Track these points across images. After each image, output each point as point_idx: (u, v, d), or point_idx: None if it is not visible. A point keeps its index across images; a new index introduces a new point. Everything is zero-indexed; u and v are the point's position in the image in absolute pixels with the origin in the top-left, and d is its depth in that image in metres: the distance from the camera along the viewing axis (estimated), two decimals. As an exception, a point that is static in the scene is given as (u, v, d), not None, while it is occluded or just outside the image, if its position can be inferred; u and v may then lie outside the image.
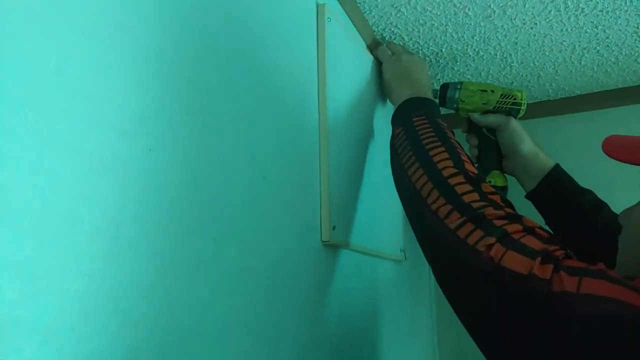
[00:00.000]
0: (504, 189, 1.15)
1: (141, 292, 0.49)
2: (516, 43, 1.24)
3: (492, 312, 0.64)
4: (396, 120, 0.96)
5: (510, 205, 0.74)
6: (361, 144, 1.06)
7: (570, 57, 1.30)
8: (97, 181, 0.46)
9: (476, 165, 1.16)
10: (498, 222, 0.68)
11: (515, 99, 1.16)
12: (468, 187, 0.74)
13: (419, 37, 1.22)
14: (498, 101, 1.16)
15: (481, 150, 1.19)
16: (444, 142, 0.83)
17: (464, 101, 1.18)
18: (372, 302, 1.07)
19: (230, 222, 0.63)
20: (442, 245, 0.72)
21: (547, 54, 1.29)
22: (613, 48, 1.26)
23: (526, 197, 1.16)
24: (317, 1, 0.94)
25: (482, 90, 1.17)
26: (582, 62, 1.33)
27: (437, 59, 1.30)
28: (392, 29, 1.20)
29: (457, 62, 1.32)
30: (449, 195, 0.74)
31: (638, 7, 1.11)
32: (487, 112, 1.18)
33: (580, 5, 1.11)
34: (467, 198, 0.72)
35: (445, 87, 1.19)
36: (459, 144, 0.85)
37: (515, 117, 1.17)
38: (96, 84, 0.47)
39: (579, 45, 1.25)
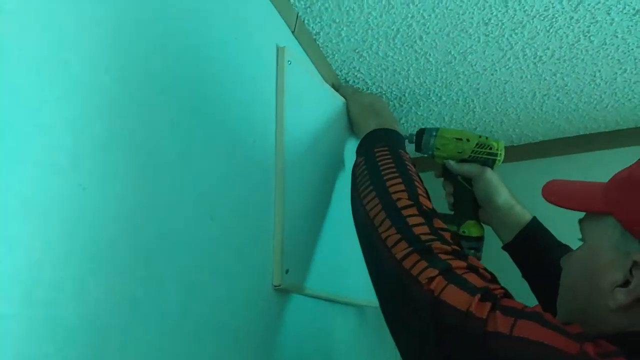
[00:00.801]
0: (479, 239, 1.13)
1: (63, 337, 0.47)
2: (478, 89, 1.26)
3: (427, 346, 0.64)
4: (359, 150, 0.97)
5: (458, 244, 0.74)
6: (325, 183, 1.05)
7: (532, 103, 1.32)
8: (23, 220, 0.44)
9: (452, 212, 1.15)
10: (443, 256, 0.69)
11: (491, 148, 1.13)
12: (419, 220, 0.75)
13: (382, 81, 1.23)
14: (473, 150, 1.13)
15: (457, 199, 1.17)
16: (402, 174, 0.83)
17: (439, 148, 1.16)
18: (328, 350, 1.04)
19: (172, 263, 0.61)
20: (387, 275, 0.72)
21: (508, 100, 1.31)
22: (572, 95, 1.28)
23: (503, 248, 1.14)
24: (277, 44, 0.94)
25: (457, 139, 1.14)
26: (544, 109, 1.35)
27: (401, 103, 1.32)
28: (355, 73, 1.21)
29: (420, 106, 1.33)
30: (400, 225, 0.74)
31: (594, 56, 1.14)
32: (462, 160, 1.15)
33: (538, 54, 1.13)
34: (417, 230, 0.73)
35: (421, 132, 1.17)
36: (418, 176, 0.86)
37: (492, 167, 1.14)
38: (27, 119, 0.46)
39: (539, 92, 1.27)
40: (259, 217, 0.81)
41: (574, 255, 0.75)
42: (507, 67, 1.18)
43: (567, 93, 1.28)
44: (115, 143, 0.55)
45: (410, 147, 1.14)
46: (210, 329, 0.67)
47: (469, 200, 1.14)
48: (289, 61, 0.94)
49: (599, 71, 1.19)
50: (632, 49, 1.12)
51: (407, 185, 0.81)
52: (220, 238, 0.71)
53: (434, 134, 1.16)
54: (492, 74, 1.20)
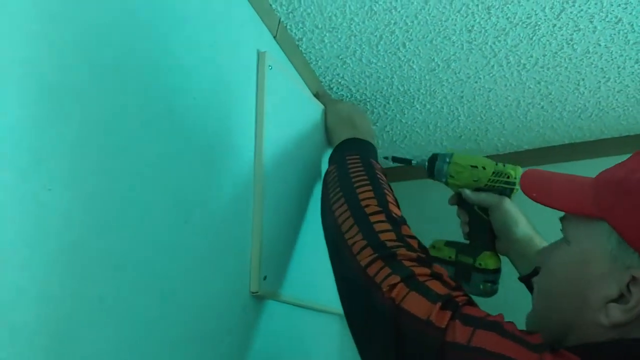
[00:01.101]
0: (496, 272, 1.05)
1: (24, 341, 0.45)
2: (462, 97, 1.26)
3: (388, 355, 0.62)
4: (331, 158, 0.97)
5: (425, 252, 0.73)
6: (303, 191, 1.04)
7: (516, 112, 1.32)
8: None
9: (467, 242, 1.08)
10: (407, 263, 0.68)
11: (508, 177, 1.03)
12: (387, 226, 0.74)
13: (366, 88, 1.23)
14: (490, 179, 1.03)
15: (472, 229, 1.08)
16: (372, 181, 0.83)
17: (453, 176, 1.07)
18: (305, 357, 1.03)
19: (144, 267, 0.60)
20: (351, 281, 0.71)
21: (493, 108, 1.31)
22: (556, 104, 1.28)
23: (520, 279, 1.07)
24: (257, 49, 0.93)
25: (472, 166, 1.05)
26: (528, 117, 1.35)
27: (385, 111, 1.31)
28: (339, 80, 1.20)
29: (404, 114, 1.32)
30: (367, 231, 0.73)
31: (577, 65, 1.14)
32: (478, 189, 1.05)
33: (522, 61, 1.13)
34: (383, 236, 0.72)
35: (434, 158, 1.09)
36: (389, 186, 0.86)
37: (509, 197, 1.05)
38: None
39: (524, 101, 1.27)
40: (236, 222, 0.80)
41: (557, 256, 0.69)
42: (490, 74, 1.17)
43: (551, 102, 1.28)
44: (84, 145, 0.54)
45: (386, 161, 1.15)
46: (185, 334, 0.66)
47: (485, 231, 1.06)
48: (269, 66, 0.93)
49: (583, 80, 1.19)
50: (615, 58, 1.12)
51: (376, 192, 0.81)
52: (195, 242, 0.70)
53: (448, 160, 1.07)
54: (476, 82, 1.20)
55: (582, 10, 0.98)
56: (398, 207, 0.81)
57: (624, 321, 0.58)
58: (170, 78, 0.68)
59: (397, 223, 0.75)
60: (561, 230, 0.70)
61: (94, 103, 0.56)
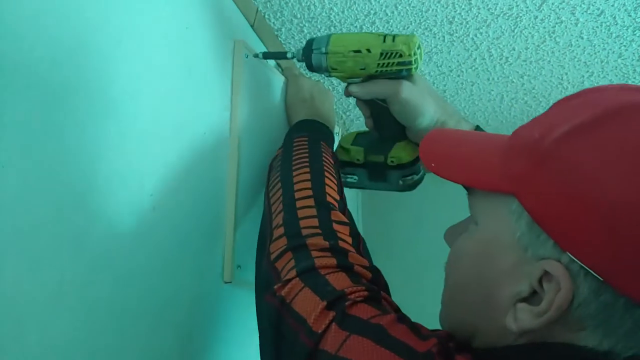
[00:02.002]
0: (413, 163, 0.89)
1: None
2: (445, 90, 1.25)
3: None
4: (283, 142, 0.89)
5: (356, 238, 0.66)
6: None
7: (500, 107, 1.31)
8: None
9: (377, 135, 0.91)
10: (315, 253, 0.59)
11: (401, 55, 0.79)
12: (311, 212, 0.66)
13: (348, 81, 1.22)
14: (379, 64, 0.81)
15: (377, 122, 0.90)
16: (313, 163, 0.75)
17: (335, 69, 0.84)
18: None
19: (105, 252, 0.58)
20: (259, 276, 0.65)
21: (476, 103, 1.30)
22: (540, 99, 1.28)
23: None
24: (234, 39, 0.92)
25: (355, 52, 0.81)
26: (512, 113, 1.34)
27: (368, 105, 1.30)
28: (321, 73, 1.19)
29: (388, 109, 1.31)
30: (289, 218, 0.66)
31: (560, 58, 1.13)
32: (369, 77, 0.84)
33: (504, 54, 1.12)
34: (303, 223, 0.64)
35: (309, 47, 0.86)
36: (336, 169, 0.79)
37: (409, 79, 0.83)
38: None
39: (507, 95, 1.26)
40: (208, 210, 0.78)
41: (462, 240, 0.55)
42: (473, 68, 1.17)
43: (535, 97, 1.27)
44: (39, 119, 0.52)
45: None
46: (151, 322, 0.64)
47: (392, 122, 0.87)
48: (246, 55, 0.92)
49: (566, 74, 1.18)
50: (598, 51, 1.11)
51: (314, 175, 0.73)
52: (164, 229, 0.68)
53: (324, 50, 0.84)
54: (459, 75, 1.19)
55: (563, 1, 0.97)
56: (339, 192, 0.74)
57: (534, 328, 0.46)
58: (136, 59, 0.66)
59: (327, 208, 0.67)
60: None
61: (49, 85, 0.54)
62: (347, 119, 1.43)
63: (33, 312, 0.49)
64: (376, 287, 0.56)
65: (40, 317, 0.50)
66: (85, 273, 0.55)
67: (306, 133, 0.86)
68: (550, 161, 0.46)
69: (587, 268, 0.43)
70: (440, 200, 1.34)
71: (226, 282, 0.79)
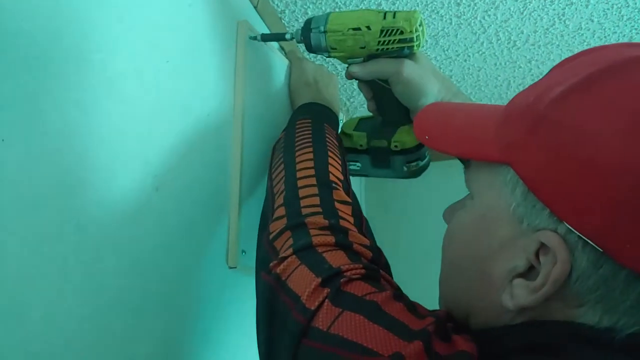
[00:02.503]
0: (417, 148, 0.86)
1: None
2: (451, 76, 1.23)
3: (261, 342, 0.54)
4: (287, 125, 0.86)
5: (359, 218, 0.63)
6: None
7: (507, 93, 1.29)
8: None
9: (380, 119, 0.88)
10: (313, 232, 0.57)
11: (402, 32, 0.76)
12: (313, 191, 0.64)
13: (353, 66, 1.20)
14: (380, 42, 0.78)
15: (379, 104, 0.87)
16: (316, 143, 0.73)
17: (335, 48, 0.82)
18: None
19: (108, 231, 0.56)
20: (258, 256, 0.63)
21: (482, 89, 1.28)
22: (548, 85, 1.25)
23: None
24: (237, 20, 0.90)
25: (354, 29, 0.79)
26: (519, 99, 1.32)
27: (373, 91, 1.28)
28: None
29: (392, 95, 1.29)
30: (290, 197, 0.64)
31: (569, 43, 1.11)
32: (370, 56, 0.81)
33: (512, 38, 1.10)
34: (304, 202, 0.62)
35: (308, 27, 0.83)
36: (340, 150, 0.77)
37: (411, 58, 0.79)
38: None
39: (514, 81, 1.24)
40: (212, 194, 0.76)
41: (459, 216, 0.53)
42: (480, 52, 1.14)
43: (542, 82, 1.25)
44: (41, 96, 0.50)
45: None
46: (155, 305, 0.62)
47: (395, 104, 0.84)
48: (249, 36, 0.90)
49: (575, 58, 1.16)
50: (609, 35, 1.09)
51: (317, 155, 0.70)
52: (167, 212, 0.66)
53: (323, 29, 0.81)
54: (465, 60, 1.17)
55: (574, -18, 0.95)
56: (343, 172, 0.71)
57: (530, 304, 0.44)
58: (139, 34, 0.64)
59: (329, 187, 0.65)
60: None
61: (51, 53, 0.52)
62: (350, 105, 1.40)
63: (38, 289, 0.48)
64: (375, 267, 0.54)
65: (45, 295, 0.48)
66: (89, 251, 0.53)
67: (309, 115, 0.84)
68: (545, 124, 0.43)
69: (585, 238, 0.41)
70: (446, 189, 1.33)
71: (231, 268, 0.77)
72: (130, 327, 0.58)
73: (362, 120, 0.92)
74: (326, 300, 0.47)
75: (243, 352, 0.79)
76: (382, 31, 0.77)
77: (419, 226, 1.66)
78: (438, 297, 0.56)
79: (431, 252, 1.17)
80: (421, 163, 0.87)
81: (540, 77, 1.22)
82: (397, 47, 0.77)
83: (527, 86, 1.24)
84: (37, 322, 0.47)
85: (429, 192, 1.60)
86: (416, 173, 0.88)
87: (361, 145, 0.88)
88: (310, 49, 0.84)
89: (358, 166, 0.91)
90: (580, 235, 0.41)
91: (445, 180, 1.16)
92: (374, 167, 0.90)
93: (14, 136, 0.47)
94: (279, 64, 1.00)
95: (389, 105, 0.84)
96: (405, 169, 0.87)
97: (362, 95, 0.87)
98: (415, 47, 0.77)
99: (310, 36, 0.82)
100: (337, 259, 0.52)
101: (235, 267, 0.77)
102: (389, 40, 0.77)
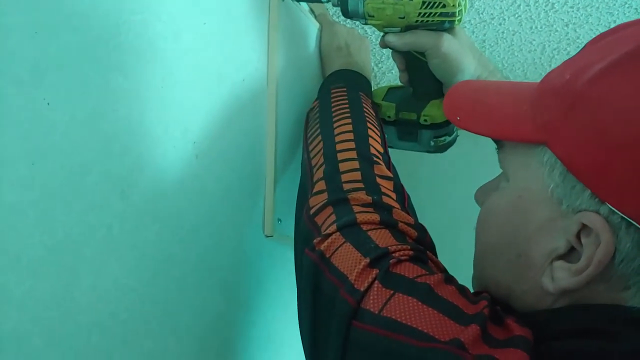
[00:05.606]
0: (447, 123, 0.84)
1: (31, 273, 0.41)
2: (484, 40, 1.19)
3: (305, 320, 0.52)
4: (319, 92, 0.85)
5: (401, 194, 0.61)
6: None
7: (540, 58, 1.26)
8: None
9: (411, 90, 0.87)
10: (357, 208, 0.55)
11: (445, 6, 0.73)
12: (354, 165, 0.62)
13: (383, 30, 1.17)
14: (420, 14, 0.75)
15: (412, 76, 0.85)
16: (354, 114, 0.71)
17: (372, 16, 0.79)
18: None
19: (151, 196, 0.55)
20: (298, 231, 0.61)
21: (516, 54, 1.24)
22: (584, 50, 1.22)
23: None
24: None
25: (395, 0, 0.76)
26: (552, 65, 1.28)
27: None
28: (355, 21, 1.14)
29: (423, 59, 1.26)
30: (330, 172, 0.62)
31: (609, 5, 1.07)
32: (409, 27, 0.78)
33: (551, 1, 1.06)
34: (345, 177, 0.61)
35: None
36: (378, 121, 0.75)
37: (451, 32, 0.78)
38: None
39: (549, 46, 1.21)
40: (248, 161, 0.75)
41: (493, 198, 0.52)
42: (516, 15, 1.11)
43: (578, 47, 1.20)
44: (84, 59, 0.48)
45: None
46: (195, 276, 0.62)
47: (428, 77, 0.82)
48: (282, -1, 0.87)
49: (615, 21, 1.12)
50: (651, -2, 1.05)
51: (356, 126, 0.69)
52: (206, 179, 0.65)
53: None
54: (500, 24, 1.14)
55: (620, -59, 0.91)
56: (382, 144, 0.70)
57: (572, 287, 0.43)
58: (175, 5, 0.62)
59: (370, 161, 0.63)
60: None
61: (92, 15, 0.50)
62: (378, 71, 1.37)
63: (85, 258, 0.47)
64: (422, 247, 0.53)
65: (92, 265, 0.48)
66: (133, 220, 0.52)
67: (343, 83, 0.82)
68: (583, 103, 0.42)
69: (628, 219, 0.40)
70: (472, 161, 1.30)
71: (267, 236, 0.76)
72: (172, 297, 0.58)
73: (391, 89, 0.89)
74: (376, 281, 0.46)
75: (280, 323, 0.79)
76: (423, 3, 0.74)
77: (443, 201, 1.64)
78: (472, 280, 0.55)
79: (456, 229, 1.14)
80: (449, 138, 0.86)
81: (576, 41, 1.18)
82: (437, 20, 0.75)
83: (561, 51, 1.21)
84: (84, 293, 0.46)
85: (453, 167, 1.58)
86: (442, 148, 0.87)
87: (389, 117, 0.86)
88: (346, 14, 0.81)
89: None
90: (624, 215, 0.40)
91: (470, 151, 1.13)
92: (400, 140, 0.89)
93: (59, 100, 0.45)
94: (311, 29, 0.97)
95: (423, 78, 0.83)
96: (432, 143, 0.86)
97: (390, 60, 0.85)
98: (456, 22, 0.76)
99: (348, 1, 0.80)
100: (382, 238, 0.51)
101: (272, 236, 0.76)
102: (430, 13, 0.75)
